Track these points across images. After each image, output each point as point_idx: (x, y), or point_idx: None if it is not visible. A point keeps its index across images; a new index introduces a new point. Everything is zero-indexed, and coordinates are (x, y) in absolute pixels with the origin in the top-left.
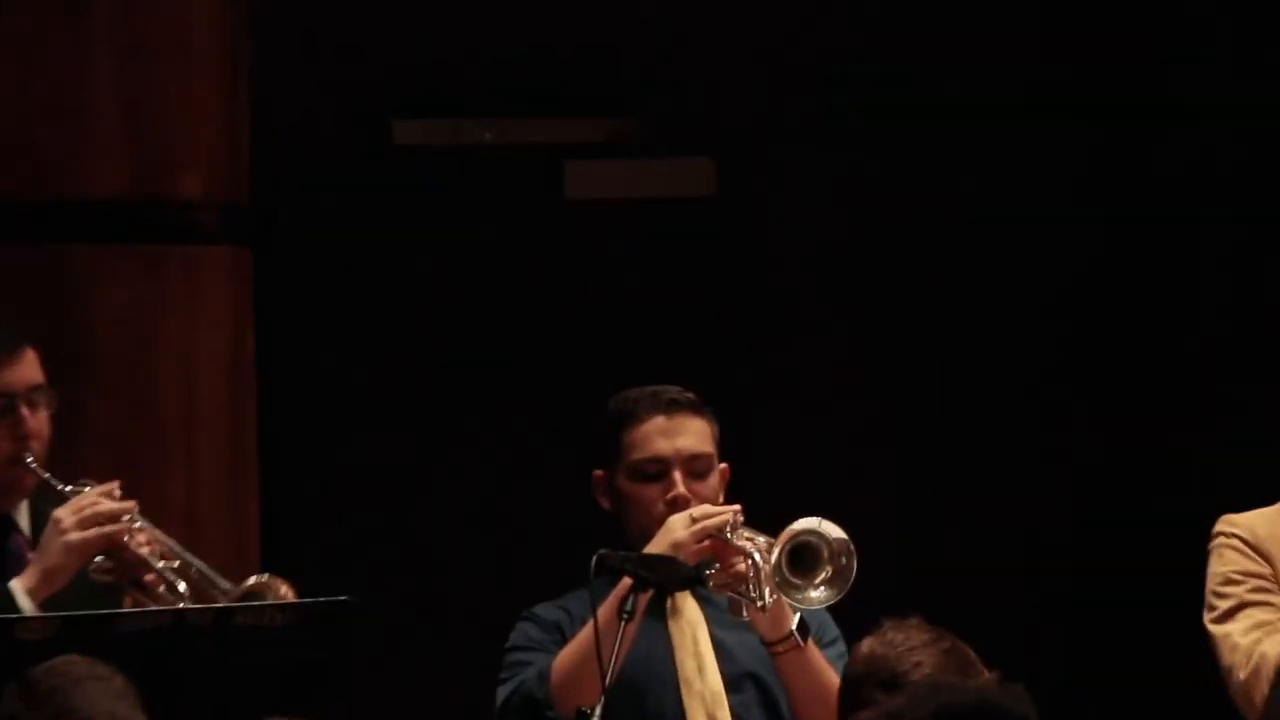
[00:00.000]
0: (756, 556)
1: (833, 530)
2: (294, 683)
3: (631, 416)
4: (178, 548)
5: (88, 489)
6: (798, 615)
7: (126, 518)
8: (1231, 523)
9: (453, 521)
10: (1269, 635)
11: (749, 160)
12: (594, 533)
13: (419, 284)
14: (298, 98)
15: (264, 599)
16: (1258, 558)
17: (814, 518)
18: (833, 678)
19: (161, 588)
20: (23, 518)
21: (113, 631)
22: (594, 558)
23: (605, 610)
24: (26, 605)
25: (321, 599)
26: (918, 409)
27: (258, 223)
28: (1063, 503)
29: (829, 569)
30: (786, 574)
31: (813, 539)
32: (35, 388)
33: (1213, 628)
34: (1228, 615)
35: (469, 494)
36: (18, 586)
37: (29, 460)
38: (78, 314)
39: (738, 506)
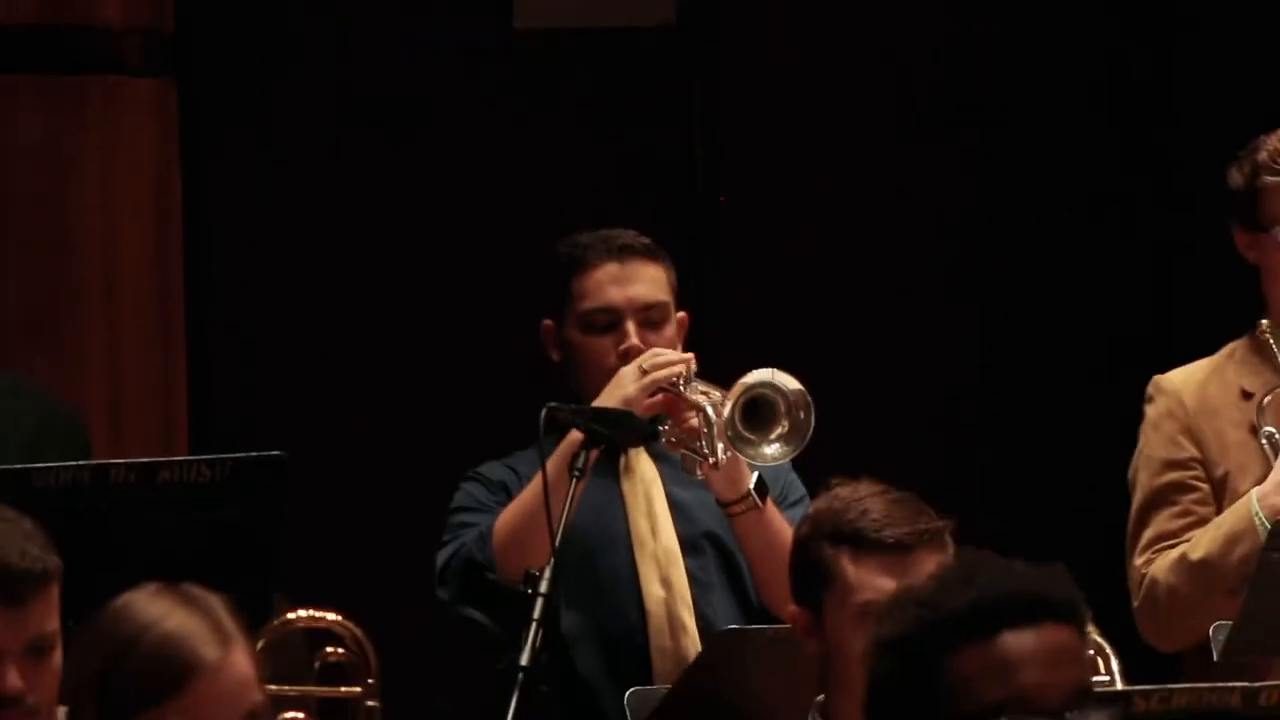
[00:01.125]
0: (710, 410)
1: (788, 382)
2: (222, 541)
3: (581, 263)
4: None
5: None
6: (756, 474)
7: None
8: (1161, 389)
9: (392, 373)
10: (1161, 554)
11: None
12: (541, 388)
13: (356, 118)
14: None
15: None
16: (1181, 439)
17: (767, 369)
18: (781, 522)
19: None
20: None
21: (30, 485)
22: (543, 412)
23: (553, 465)
24: None
25: (251, 454)
26: (877, 243)
27: (183, 52)
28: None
29: (785, 424)
30: (740, 428)
31: (767, 391)
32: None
33: (1129, 526)
34: (1138, 516)
35: (410, 344)
36: None
37: None
38: None
39: (689, 356)
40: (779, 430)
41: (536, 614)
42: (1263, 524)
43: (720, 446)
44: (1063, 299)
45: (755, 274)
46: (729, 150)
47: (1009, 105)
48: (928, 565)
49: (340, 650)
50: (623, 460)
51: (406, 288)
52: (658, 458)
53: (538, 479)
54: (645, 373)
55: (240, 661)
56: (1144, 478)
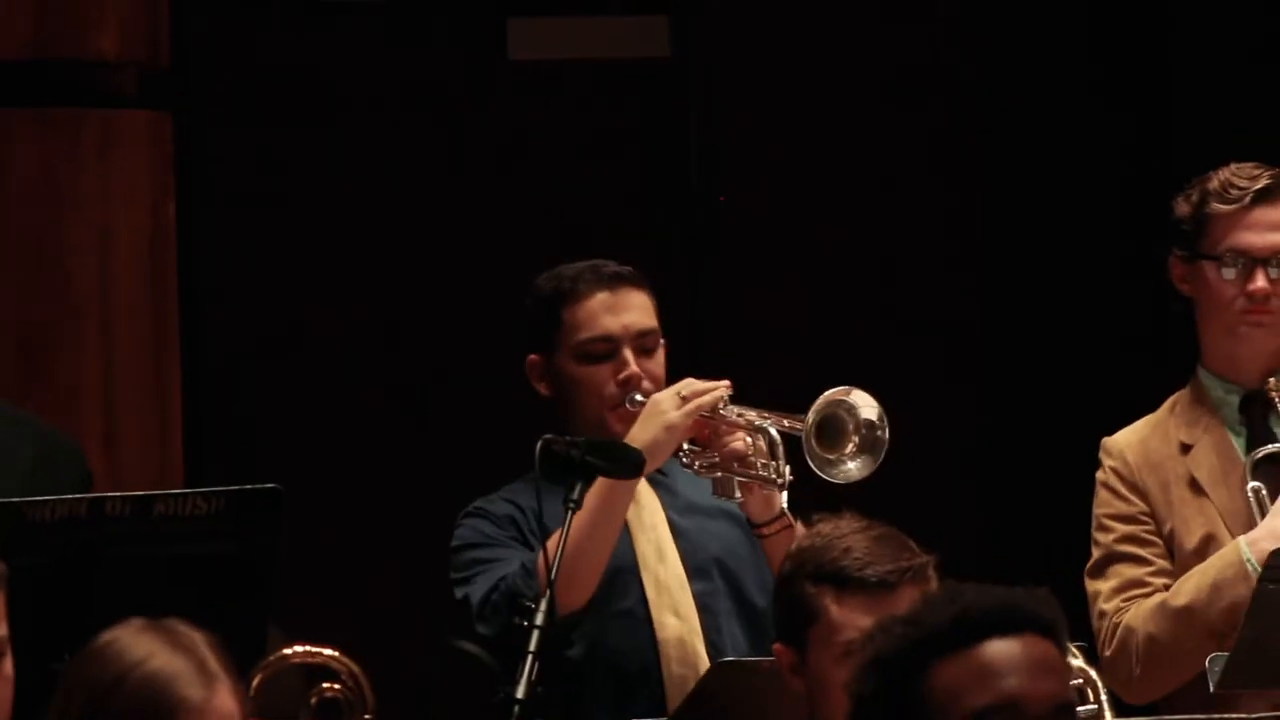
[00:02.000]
0: (773, 432)
1: (860, 397)
2: (217, 574)
3: (571, 295)
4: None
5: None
6: (784, 494)
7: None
8: (1108, 451)
9: (390, 404)
10: (1134, 603)
11: (704, 19)
12: (536, 417)
13: (350, 147)
14: None
15: None
16: (1130, 495)
17: (843, 386)
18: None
19: None
20: None
21: (24, 519)
22: (538, 445)
23: (597, 502)
24: None
25: (247, 487)
26: (871, 268)
27: (178, 85)
28: None
29: (855, 439)
30: (816, 448)
31: (838, 410)
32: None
33: (1086, 582)
34: (1097, 569)
35: (407, 373)
36: None
37: None
38: None
39: (727, 382)
40: (851, 446)
41: (532, 646)
42: (1255, 569)
43: (780, 465)
44: (1063, 302)
45: (751, 298)
46: (725, 180)
47: (1004, 131)
48: (910, 602)
49: (336, 686)
50: None
51: (403, 317)
52: (654, 484)
53: (582, 513)
54: (685, 399)
55: (225, 702)
56: (1100, 536)
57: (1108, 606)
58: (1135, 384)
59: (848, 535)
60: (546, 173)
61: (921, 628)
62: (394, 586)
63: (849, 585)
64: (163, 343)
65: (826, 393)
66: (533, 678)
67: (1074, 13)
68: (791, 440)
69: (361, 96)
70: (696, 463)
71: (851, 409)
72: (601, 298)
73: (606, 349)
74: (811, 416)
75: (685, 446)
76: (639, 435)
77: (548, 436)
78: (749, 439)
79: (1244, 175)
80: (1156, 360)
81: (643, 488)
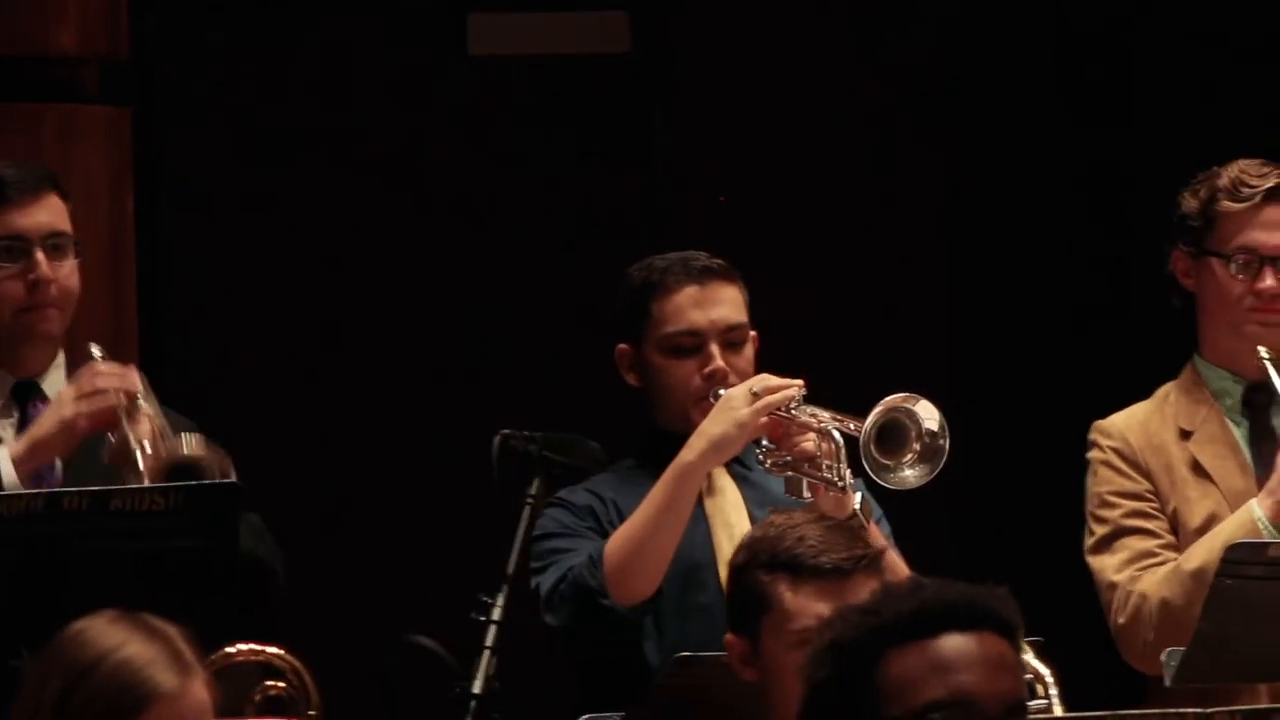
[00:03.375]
0: (836, 435)
1: (924, 407)
2: (175, 569)
3: (660, 287)
4: (169, 430)
5: (99, 360)
6: (859, 495)
7: (130, 396)
8: (1105, 432)
9: (348, 406)
10: (1147, 571)
11: (664, 14)
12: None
13: (310, 142)
14: None
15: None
16: (1134, 474)
17: (904, 393)
18: (895, 558)
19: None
20: (53, 386)
21: None
22: (495, 440)
23: (663, 493)
24: (8, 474)
25: (204, 482)
26: (835, 259)
27: (137, 80)
28: None
29: (916, 447)
30: (875, 453)
31: (899, 416)
32: (57, 234)
33: (1090, 559)
34: (1104, 544)
35: (361, 361)
36: (2, 453)
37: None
38: None
39: (800, 382)
40: (910, 455)
41: (489, 641)
42: (1267, 528)
43: (848, 470)
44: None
45: None
46: (687, 177)
47: (971, 125)
48: (864, 591)
49: (281, 683)
50: (705, 481)
51: (362, 312)
52: (740, 479)
53: (646, 503)
54: (757, 396)
55: (198, 692)
56: (1105, 513)
57: (1119, 577)
58: (1101, 373)
59: (801, 525)
60: (507, 167)
61: (880, 617)
62: (351, 583)
63: (803, 573)
64: (121, 338)
65: (888, 398)
66: (490, 673)
67: (1041, 15)
68: (854, 443)
69: (321, 91)
70: (769, 460)
71: (914, 416)
72: (690, 291)
73: (693, 343)
74: (871, 421)
75: (763, 443)
76: (709, 429)
77: (505, 432)
78: (819, 440)
79: (1254, 173)
80: (1120, 352)
81: (726, 482)
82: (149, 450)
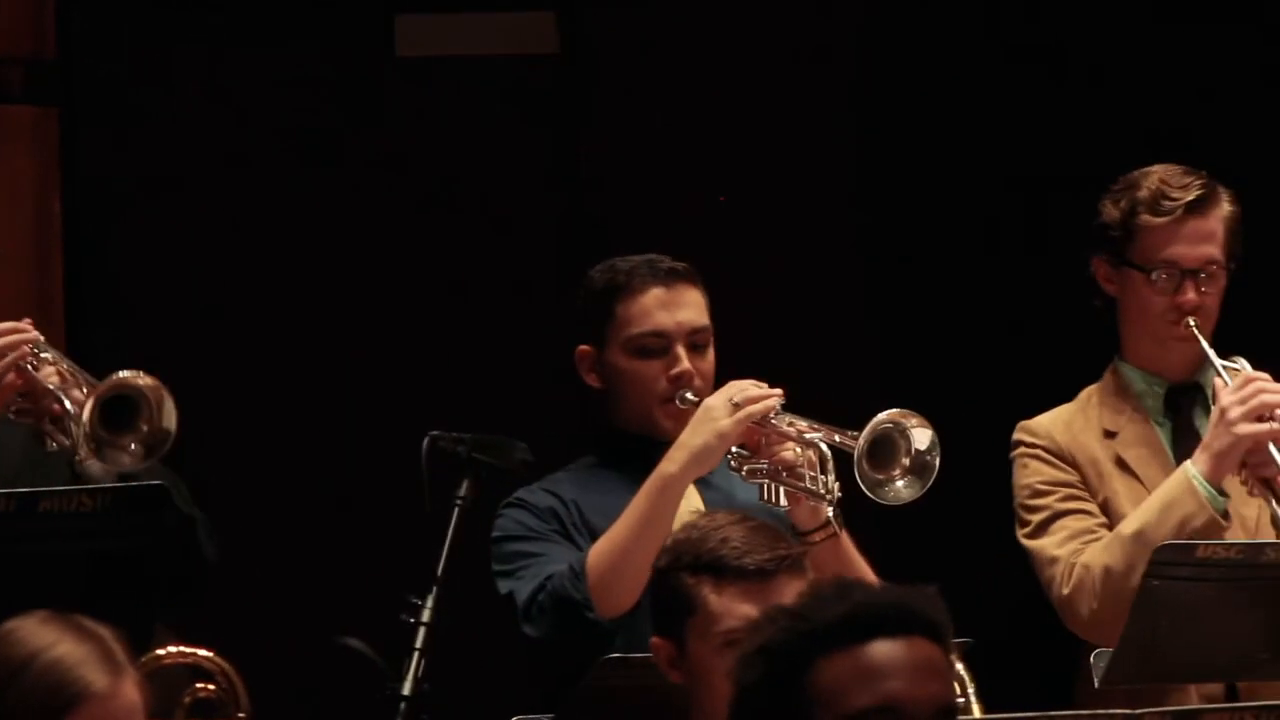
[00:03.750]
0: (823, 446)
1: (916, 422)
2: (103, 570)
3: (626, 288)
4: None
5: None
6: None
7: (30, 347)
8: (1031, 432)
9: (280, 404)
10: (1088, 545)
11: (591, 14)
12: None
13: (238, 143)
14: None
15: None
16: (1063, 465)
17: (898, 409)
18: (865, 567)
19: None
20: None
21: None
22: (425, 441)
23: (645, 505)
24: None
25: (132, 483)
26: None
27: (63, 80)
28: None
29: (905, 462)
30: (865, 467)
31: (890, 430)
32: None
33: (1028, 543)
34: (1041, 528)
35: (292, 360)
36: None
37: None
38: None
39: (780, 391)
40: (899, 469)
41: (419, 643)
42: (1203, 485)
43: (829, 479)
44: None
45: None
46: (613, 178)
47: (889, 126)
48: (788, 591)
49: (210, 686)
50: None
51: (291, 312)
52: (702, 483)
53: (628, 515)
54: (737, 406)
55: (129, 692)
56: (1039, 501)
57: (1061, 552)
58: (1024, 376)
59: (724, 526)
60: (435, 169)
61: (809, 622)
62: (280, 585)
63: (727, 574)
64: (47, 338)
65: (882, 413)
66: (419, 675)
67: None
68: (839, 455)
69: (249, 92)
70: (744, 468)
71: (905, 431)
72: (656, 293)
73: (659, 344)
74: (865, 435)
75: (734, 450)
76: (690, 440)
77: (435, 433)
78: (799, 450)
79: (1175, 184)
80: (1043, 353)
81: (691, 489)
82: (70, 392)
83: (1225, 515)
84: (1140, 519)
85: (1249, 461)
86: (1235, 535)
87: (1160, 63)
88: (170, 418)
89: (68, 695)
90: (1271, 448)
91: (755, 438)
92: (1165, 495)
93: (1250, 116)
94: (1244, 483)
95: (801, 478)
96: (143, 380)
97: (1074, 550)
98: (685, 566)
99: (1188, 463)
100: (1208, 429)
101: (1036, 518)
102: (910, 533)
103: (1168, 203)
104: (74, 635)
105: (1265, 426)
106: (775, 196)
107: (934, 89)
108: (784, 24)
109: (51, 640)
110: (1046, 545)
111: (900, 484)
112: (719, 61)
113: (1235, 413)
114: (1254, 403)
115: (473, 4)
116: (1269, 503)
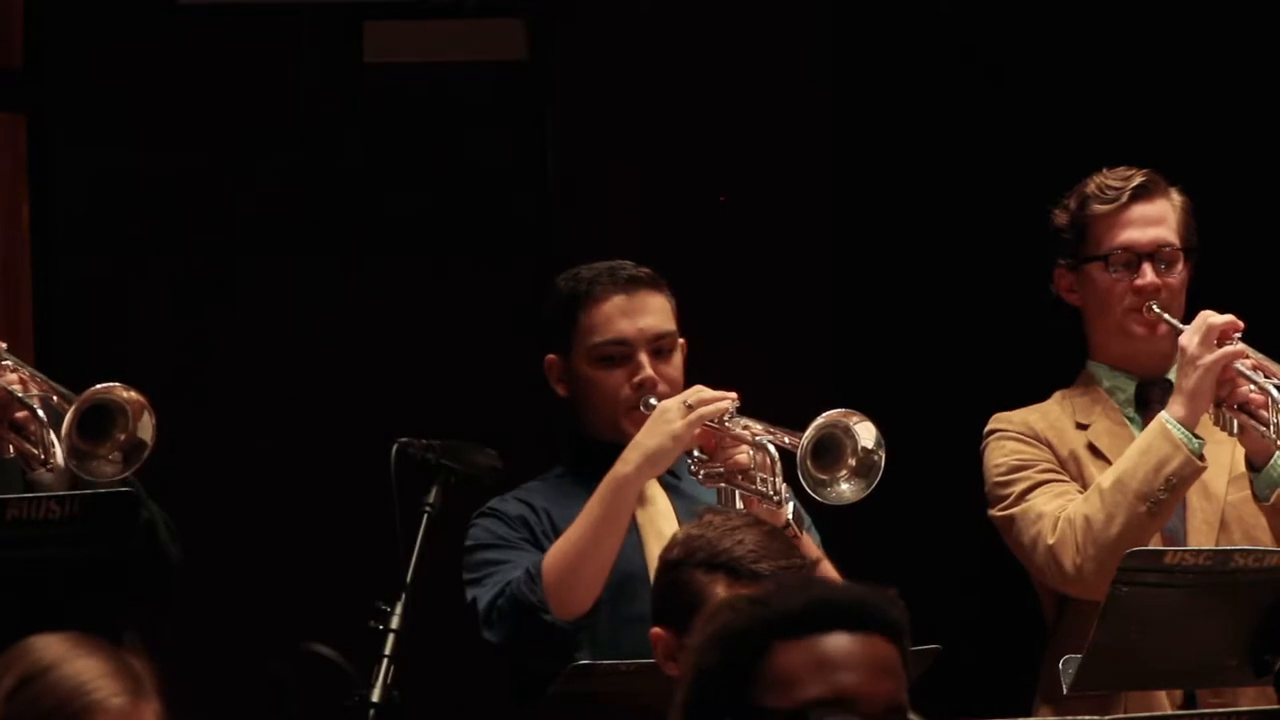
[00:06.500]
0: (771, 448)
1: (860, 421)
2: (71, 577)
3: (588, 296)
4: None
5: None
6: (790, 505)
7: None
8: (1006, 420)
9: (243, 397)
10: (1070, 502)
11: (560, 22)
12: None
13: (207, 149)
14: None
15: None
16: (1040, 446)
17: (841, 409)
18: (830, 569)
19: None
20: None
21: None
22: (393, 448)
23: (599, 506)
24: None
25: (100, 490)
26: (730, 273)
27: (31, 88)
28: None
29: (851, 462)
30: (811, 468)
31: (835, 431)
32: None
33: (1009, 511)
34: (1021, 498)
35: (259, 370)
36: None
37: None
38: None
39: (734, 394)
40: (845, 470)
41: (387, 650)
42: (1178, 428)
43: (779, 483)
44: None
45: None
46: (582, 184)
47: (854, 129)
48: None
49: None
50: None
51: (259, 320)
52: (670, 489)
53: (583, 517)
54: (691, 408)
55: (147, 717)
56: (1017, 476)
57: (1049, 508)
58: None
59: (740, 528)
60: (404, 174)
61: (769, 608)
62: (249, 591)
63: (742, 576)
64: (16, 347)
65: (826, 413)
66: (388, 682)
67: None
68: (789, 456)
69: (218, 98)
70: (701, 472)
71: (850, 431)
72: (617, 301)
73: (621, 352)
74: (807, 436)
75: (695, 454)
76: (644, 441)
77: (403, 439)
78: (752, 453)
79: (1118, 176)
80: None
81: (657, 491)
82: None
83: (1200, 457)
84: (1118, 468)
85: (1222, 395)
86: (1212, 478)
87: (1129, 72)
88: (147, 430)
89: (78, 706)
90: (1239, 365)
91: (712, 441)
92: (1141, 443)
93: (1215, 126)
94: (1218, 423)
95: (754, 480)
96: (123, 393)
97: (1059, 507)
98: (698, 563)
99: (1164, 413)
100: (1175, 375)
101: (1016, 489)
102: (874, 538)
103: (1112, 190)
104: (100, 654)
105: (1227, 348)
106: (747, 202)
107: (908, 96)
108: (756, 31)
109: (75, 655)
110: (1033, 504)
111: (844, 485)
112: (690, 68)
113: (1194, 346)
114: (1205, 328)
115: (442, 10)
116: (1250, 426)
